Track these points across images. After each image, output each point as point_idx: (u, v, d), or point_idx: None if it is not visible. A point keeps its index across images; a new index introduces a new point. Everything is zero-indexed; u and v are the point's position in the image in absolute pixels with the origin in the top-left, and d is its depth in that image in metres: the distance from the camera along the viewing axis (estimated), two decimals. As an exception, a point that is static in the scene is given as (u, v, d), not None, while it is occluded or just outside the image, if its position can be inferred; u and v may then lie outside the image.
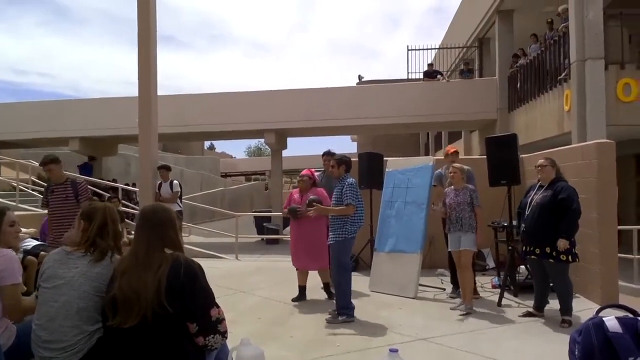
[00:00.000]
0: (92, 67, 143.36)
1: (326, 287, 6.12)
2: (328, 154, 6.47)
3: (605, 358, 1.82)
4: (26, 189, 13.24)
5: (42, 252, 5.54)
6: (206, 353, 2.47)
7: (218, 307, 2.47)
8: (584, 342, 1.86)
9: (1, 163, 17.36)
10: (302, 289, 6.11)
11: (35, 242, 6.40)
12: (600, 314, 1.92)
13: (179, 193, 8.73)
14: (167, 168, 8.54)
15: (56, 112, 17.20)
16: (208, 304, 2.43)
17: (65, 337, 2.45)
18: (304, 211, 5.72)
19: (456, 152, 6.67)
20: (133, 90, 7.82)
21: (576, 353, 1.89)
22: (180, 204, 8.79)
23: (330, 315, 5.16)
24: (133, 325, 2.28)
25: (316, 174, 6.32)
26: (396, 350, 2.00)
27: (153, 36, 7.47)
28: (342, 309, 5.09)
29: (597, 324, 1.85)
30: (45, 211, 6.34)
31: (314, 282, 6.18)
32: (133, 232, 8.95)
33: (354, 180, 5.27)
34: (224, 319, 2.47)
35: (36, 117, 17.06)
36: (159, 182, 8.26)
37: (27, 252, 6.02)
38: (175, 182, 8.64)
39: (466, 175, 6.12)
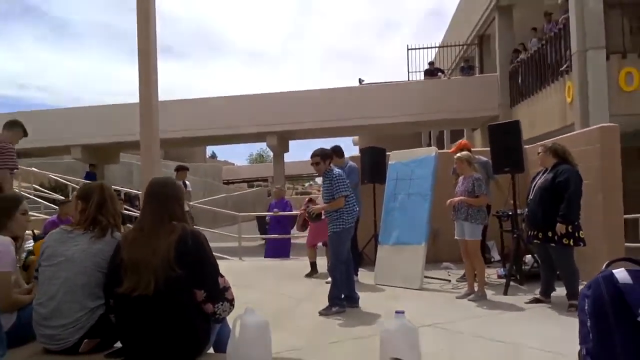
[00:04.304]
0: (91, 80, 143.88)
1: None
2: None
3: (616, 309, 1.78)
4: (30, 196, 13.27)
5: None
6: (212, 325, 2.46)
7: (222, 276, 2.47)
8: (593, 295, 1.82)
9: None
10: (314, 264, 7.33)
11: (37, 242, 6.41)
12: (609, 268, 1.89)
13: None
14: (185, 168, 8.93)
15: (58, 121, 17.29)
16: (216, 271, 2.45)
17: (66, 313, 2.42)
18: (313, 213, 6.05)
19: (456, 151, 6.56)
20: (133, 101, 7.85)
21: (586, 308, 1.84)
22: (189, 205, 8.95)
23: (322, 308, 5.10)
24: (145, 293, 2.26)
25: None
26: (402, 312, 1.96)
27: (153, 36, 7.46)
28: (333, 299, 5.04)
29: (607, 276, 1.81)
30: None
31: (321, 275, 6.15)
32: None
33: (338, 171, 5.27)
34: (230, 287, 2.49)
35: (38, 126, 17.08)
36: None
37: (29, 253, 6.02)
38: (187, 182, 8.76)
39: (481, 166, 6.13)
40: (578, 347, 1.96)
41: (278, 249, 10.12)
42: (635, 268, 1.85)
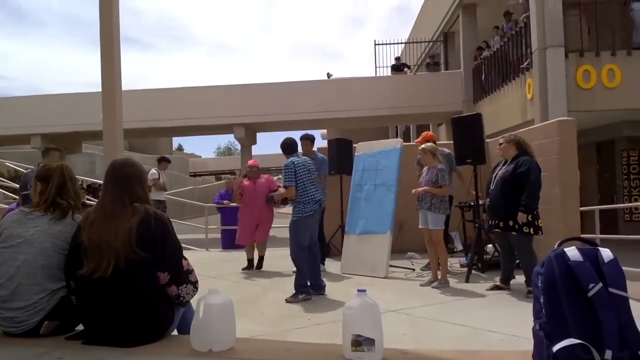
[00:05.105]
0: (51, 70, 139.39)
1: (260, 260, 7.18)
2: (306, 138, 6.91)
3: (567, 285, 1.87)
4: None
5: None
6: (175, 308, 2.44)
7: (186, 259, 2.46)
8: (546, 272, 1.90)
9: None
10: (251, 261, 7.19)
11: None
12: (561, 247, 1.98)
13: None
14: (167, 160, 9.33)
15: (17, 109, 16.72)
16: (179, 253, 2.44)
17: (25, 295, 2.37)
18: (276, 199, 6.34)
19: (421, 143, 6.66)
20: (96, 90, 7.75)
21: (539, 284, 1.93)
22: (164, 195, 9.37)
23: (290, 295, 5.15)
24: (105, 275, 2.24)
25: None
26: (364, 290, 2.01)
27: (116, 26, 7.26)
28: (299, 287, 5.10)
29: (559, 254, 1.90)
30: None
31: (286, 264, 6.17)
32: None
33: (290, 160, 5.33)
34: (193, 270, 2.47)
35: (-3, 114, 16.54)
36: (153, 170, 8.80)
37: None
38: (163, 174, 8.92)
39: (444, 157, 6.21)
40: (534, 327, 2.04)
41: (234, 239, 10.33)
42: (585, 247, 1.94)
